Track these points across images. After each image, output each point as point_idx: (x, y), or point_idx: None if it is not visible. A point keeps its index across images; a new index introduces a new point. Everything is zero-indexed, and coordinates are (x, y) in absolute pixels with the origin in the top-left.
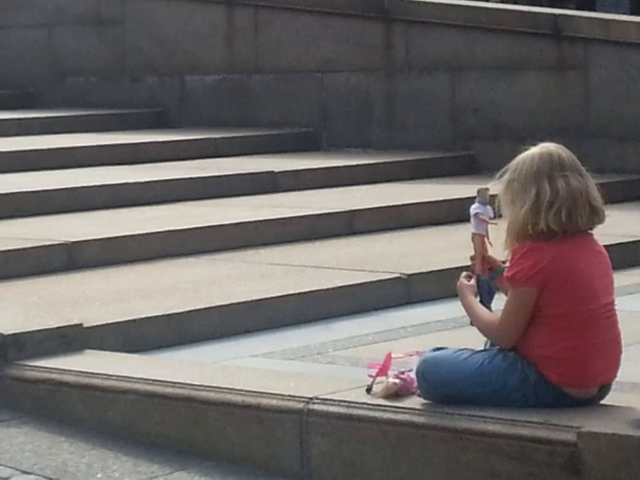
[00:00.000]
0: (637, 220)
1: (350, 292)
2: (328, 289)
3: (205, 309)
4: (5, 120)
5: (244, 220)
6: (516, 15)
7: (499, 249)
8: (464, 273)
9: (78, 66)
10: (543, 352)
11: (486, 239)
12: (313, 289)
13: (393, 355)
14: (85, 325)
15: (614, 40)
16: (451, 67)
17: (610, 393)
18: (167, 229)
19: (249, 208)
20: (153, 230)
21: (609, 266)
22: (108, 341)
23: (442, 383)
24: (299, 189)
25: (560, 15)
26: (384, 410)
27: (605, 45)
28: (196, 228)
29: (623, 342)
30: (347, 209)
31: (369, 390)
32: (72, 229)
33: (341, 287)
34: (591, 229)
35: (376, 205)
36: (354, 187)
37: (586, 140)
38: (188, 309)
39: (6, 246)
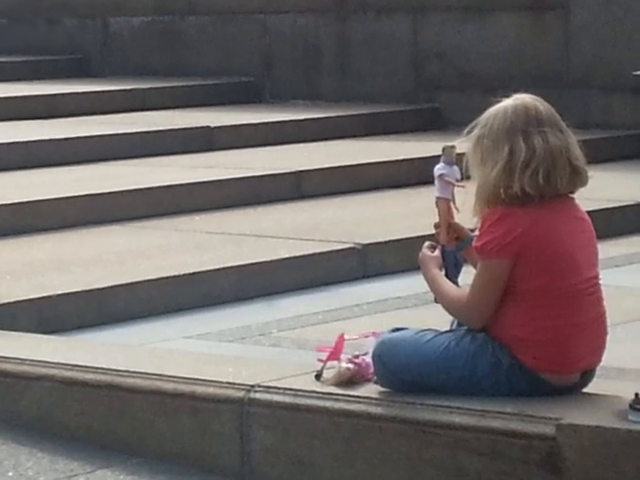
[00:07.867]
0: (624, 182)
1: (297, 264)
2: (272, 261)
3: (131, 284)
4: None
5: (176, 182)
6: None
7: (467, 215)
8: (427, 243)
9: None
10: (517, 333)
11: (452, 204)
12: (255, 261)
13: (346, 336)
14: None
15: None
16: (412, 7)
17: (594, 380)
18: (87, 193)
19: (181, 169)
20: (71, 194)
21: (593, 235)
22: (20, 320)
23: (402, 368)
24: (238, 147)
25: None
26: (336, 399)
27: None
28: (121, 191)
29: (609, 322)
30: (293, 170)
31: (319, 376)
32: None
33: (287, 259)
34: (572, 193)
35: (326, 165)
36: (301, 145)
37: (566, 91)
38: (111, 284)
39: None
